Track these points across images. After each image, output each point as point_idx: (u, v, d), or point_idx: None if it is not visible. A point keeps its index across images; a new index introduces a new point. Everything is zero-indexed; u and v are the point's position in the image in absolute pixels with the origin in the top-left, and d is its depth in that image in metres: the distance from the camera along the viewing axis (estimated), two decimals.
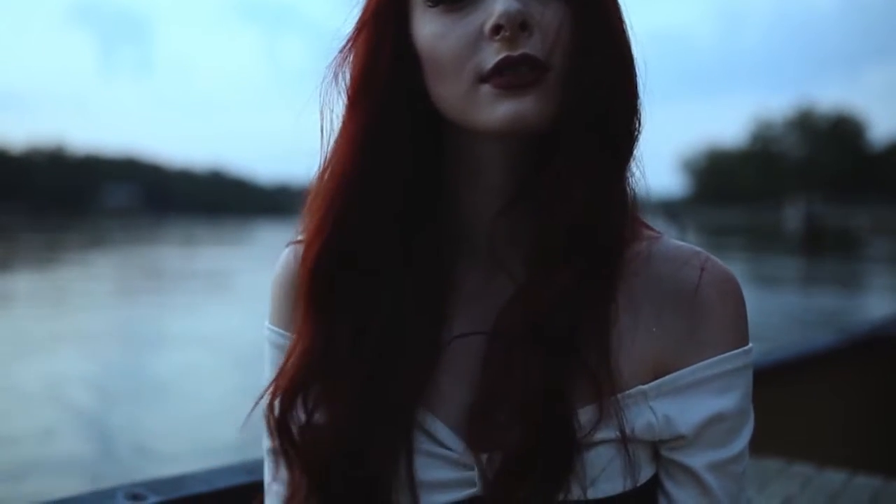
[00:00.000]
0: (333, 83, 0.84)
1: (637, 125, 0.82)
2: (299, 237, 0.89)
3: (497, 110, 0.76)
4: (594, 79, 0.77)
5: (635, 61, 0.82)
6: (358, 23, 0.83)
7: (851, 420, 3.07)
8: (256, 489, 1.43)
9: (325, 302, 0.83)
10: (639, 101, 0.82)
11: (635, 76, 0.82)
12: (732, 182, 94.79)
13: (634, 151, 0.82)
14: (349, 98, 0.83)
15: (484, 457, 0.78)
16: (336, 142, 0.84)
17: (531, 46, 0.75)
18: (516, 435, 0.76)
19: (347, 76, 0.83)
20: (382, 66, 0.81)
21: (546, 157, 0.79)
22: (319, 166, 0.85)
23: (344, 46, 0.84)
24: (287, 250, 0.91)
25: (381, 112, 0.81)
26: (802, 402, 2.71)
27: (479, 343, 0.81)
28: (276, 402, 0.83)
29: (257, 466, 1.48)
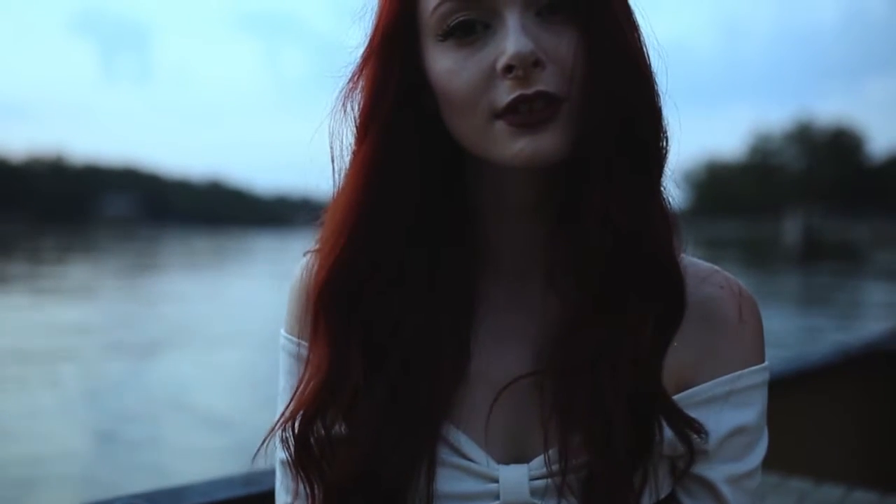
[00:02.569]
0: (342, 111, 0.84)
1: (664, 141, 0.81)
2: (315, 246, 0.90)
3: (513, 147, 0.76)
4: (612, 103, 0.76)
5: (654, 77, 0.81)
6: (365, 51, 0.83)
7: (849, 435, 3.07)
8: (255, 501, 1.44)
9: (339, 321, 0.83)
10: (662, 117, 0.81)
11: (655, 93, 0.81)
12: (731, 194, 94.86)
13: (665, 168, 0.82)
14: (359, 127, 0.83)
15: (516, 468, 0.80)
16: (348, 169, 0.84)
17: (545, 82, 0.75)
18: (596, 455, 0.77)
19: (357, 104, 0.83)
20: (391, 96, 0.81)
21: (572, 174, 0.79)
22: (333, 191, 0.86)
23: (352, 75, 0.84)
24: (305, 259, 0.91)
25: (391, 141, 0.81)
26: (799, 417, 2.70)
27: (508, 361, 0.83)
28: (296, 423, 0.83)
29: (256, 478, 1.49)
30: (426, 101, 0.81)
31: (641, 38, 0.81)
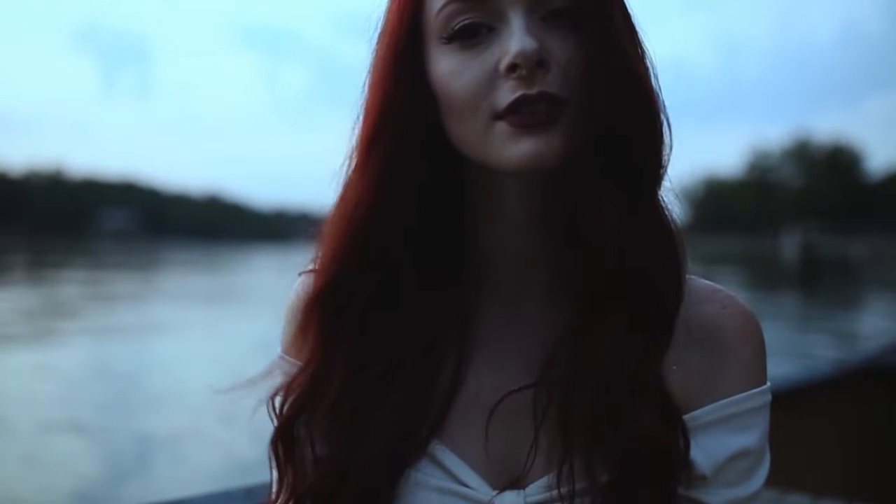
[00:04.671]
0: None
1: (664, 151, 0.80)
2: (311, 266, 0.89)
3: (514, 149, 0.74)
4: (610, 110, 0.75)
5: (654, 88, 0.80)
6: (374, 60, 0.83)
7: (847, 450, 3.06)
8: None
9: (329, 326, 0.82)
10: (661, 129, 0.79)
11: (654, 103, 0.79)
12: (730, 211, 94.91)
13: (662, 181, 0.81)
14: (367, 135, 0.81)
15: (512, 495, 0.78)
16: (351, 177, 0.83)
17: (548, 83, 0.74)
18: (595, 480, 0.75)
19: (364, 112, 0.82)
20: (400, 103, 0.80)
21: (571, 187, 0.78)
22: (336, 199, 0.85)
23: (364, 83, 0.83)
24: (301, 279, 0.90)
25: (403, 150, 0.80)
26: (797, 433, 2.70)
27: (503, 382, 0.81)
28: (281, 429, 0.82)
29: (256, 492, 1.49)
30: (432, 110, 0.79)
31: (643, 49, 0.80)
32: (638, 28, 0.81)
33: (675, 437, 0.77)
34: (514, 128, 0.74)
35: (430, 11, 0.78)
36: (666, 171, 0.81)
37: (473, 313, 0.84)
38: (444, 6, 0.77)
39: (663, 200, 0.82)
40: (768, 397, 0.83)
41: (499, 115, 0.75)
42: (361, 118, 0.83)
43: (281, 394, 0.83)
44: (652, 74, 0.80)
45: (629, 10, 0.81)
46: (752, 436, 0.81)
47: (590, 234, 0.77)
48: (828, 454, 2.93)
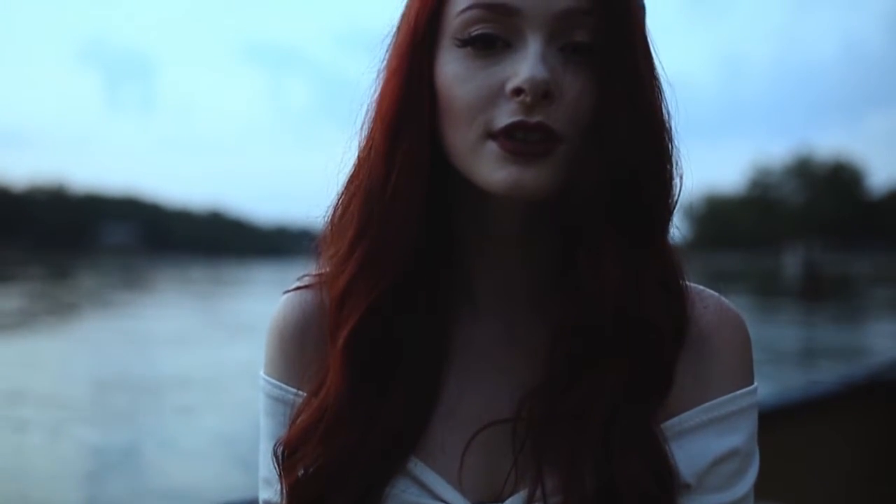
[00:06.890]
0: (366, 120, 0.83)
1: (674, 197, 0.79)
2: (296, 284, 0.88)
3: (498, 172, 0.74)
4: (614, 155, 0.74)
5: (668, 133, 0.79)
6: (393, 47, 0.81)
7: (852, 465, 3.05)
8: None
9: (360, 361, 0.81)
10: (670, 175, 0.79)
11: (665, 150, 0.78)
12: (731, 228, 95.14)
13: (668, 225, 0.80)
14: (376, 134, 0.80)
15: None
16: (358, 177, 0.82)
17: (549, 116, 0.73)
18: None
19: (372, 112, 0.81)
20: (412, 104, 0.78)
21: (564, 222, 0.77)
22: (338, 206, 0.84)
23: (376, 81, 0.82)
24: (285, 298, 0.89)
25: (422, 147, 0.78)
26: (801, 448, 2.70)
27: (484, 402, 0.81)
28: (285, 454, 0.82)
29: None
30: (433, 114, 0.78)
31: (659, 90, 0.79)
32: (658, 69, 0.80)
33: (661, 485, 0.76)
34: (503, 151, 0.73)
35: (452, 9, 0.77)
36: (671, 215, 0.80)
37: (455, 329, 0.83)
38: (466, 8, 0.75)
39: (669, 243, 0.81)
40: (755, 398, 0.82)
41: (492, 135, 0.74)
42: (375, 107, 0.81)
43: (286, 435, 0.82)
44: (668, 118, 0.79)
45: (652, 49, 0.80)
46: (737, 438, 0.80)
47: (588, 281, 0.76)
48: (832, 469, 2.92)
